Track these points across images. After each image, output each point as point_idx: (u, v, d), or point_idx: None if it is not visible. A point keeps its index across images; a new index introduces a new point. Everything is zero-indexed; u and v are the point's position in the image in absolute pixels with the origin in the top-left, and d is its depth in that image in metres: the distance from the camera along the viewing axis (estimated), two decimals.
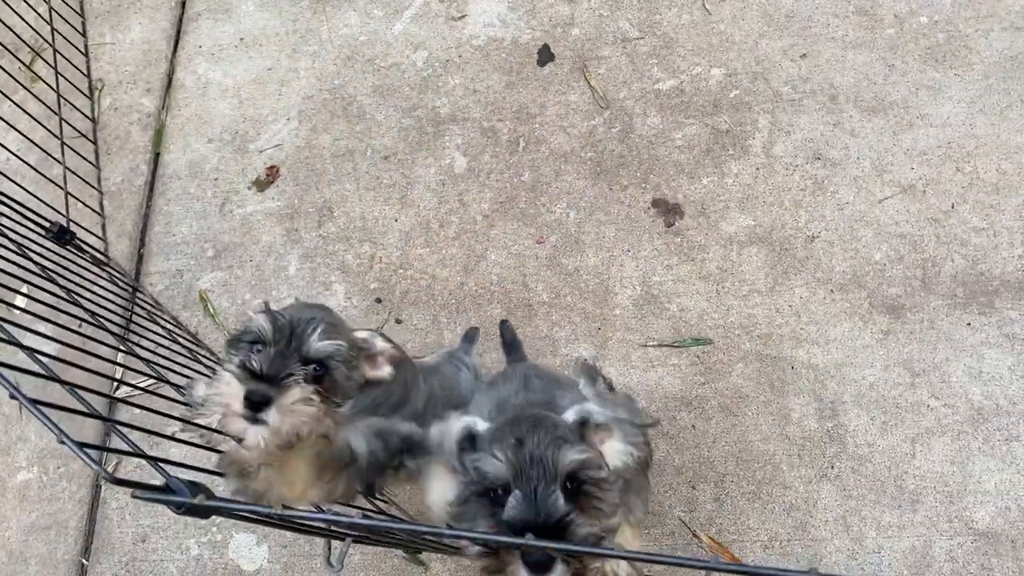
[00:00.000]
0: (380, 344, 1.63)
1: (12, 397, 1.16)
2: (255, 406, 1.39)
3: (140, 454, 1.32)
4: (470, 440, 1.44)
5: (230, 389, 1.41)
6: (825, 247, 2.56)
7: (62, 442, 1.12)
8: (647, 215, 2.69)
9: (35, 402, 1.17)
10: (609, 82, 2.91)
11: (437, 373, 2.05)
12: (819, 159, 2.68)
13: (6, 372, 1.22)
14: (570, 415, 1.46)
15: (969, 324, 2.42)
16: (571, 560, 1.24)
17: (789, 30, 2.90)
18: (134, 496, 1.17)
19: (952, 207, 2.56)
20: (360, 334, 1.64)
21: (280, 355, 1.46)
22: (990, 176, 2.58)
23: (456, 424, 1.46)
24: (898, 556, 2.19)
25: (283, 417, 1.40)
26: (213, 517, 2.45)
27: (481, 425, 1.45)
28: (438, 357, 2.31)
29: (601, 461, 1.40)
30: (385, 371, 1.66)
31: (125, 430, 1.53)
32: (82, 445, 1.17)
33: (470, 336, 2.43)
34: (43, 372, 1.28)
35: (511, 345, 2.31)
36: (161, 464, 1.26)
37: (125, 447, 1.34)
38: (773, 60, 2.86)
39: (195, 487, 1.23)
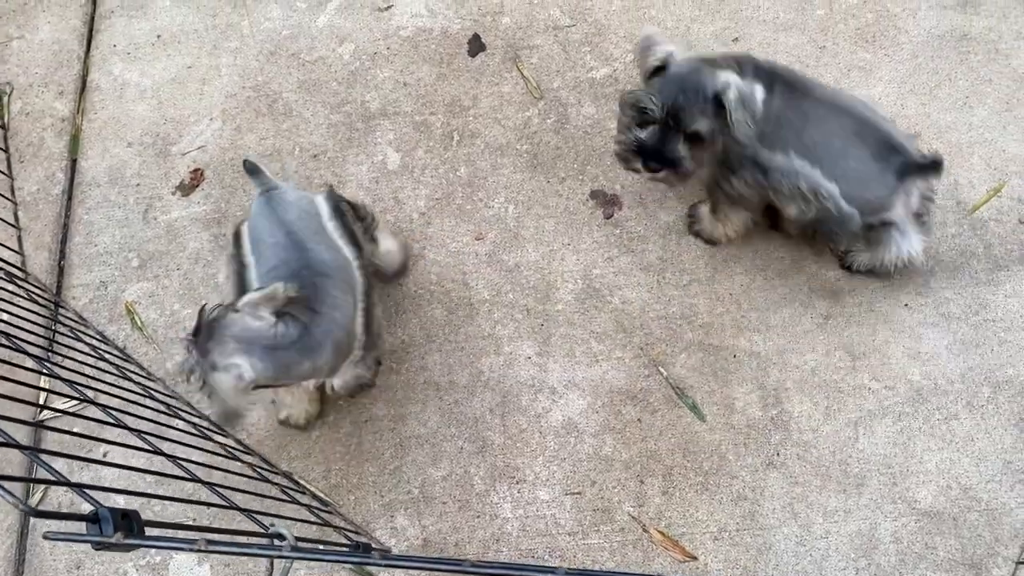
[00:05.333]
0: None
1: None
2: None
3: (65, 482, 1.25)
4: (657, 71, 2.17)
5: None
6: (763, 233, 2.56)
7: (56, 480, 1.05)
8: (586, 207, 2.65)
9: None
10: (542, 72, 2.85)
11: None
12: None
13: None
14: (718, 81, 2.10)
15: (907, 305, 2.44)
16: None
17: (720, 13, 2.87)
18: (46, 537, 1.10)
19: None
20: None
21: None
22: None
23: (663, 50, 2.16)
24: (845, 540, 2.20)
25: None
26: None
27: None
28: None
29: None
30: None
31: (51, 457, 1.43)
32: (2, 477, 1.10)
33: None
34: None
35: None
36: (90, 492, 1.19)
37: (49, 475, 1.26)
38: (706, 44, 2.83)
39: (124, 517, 1.16)
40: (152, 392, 2.33)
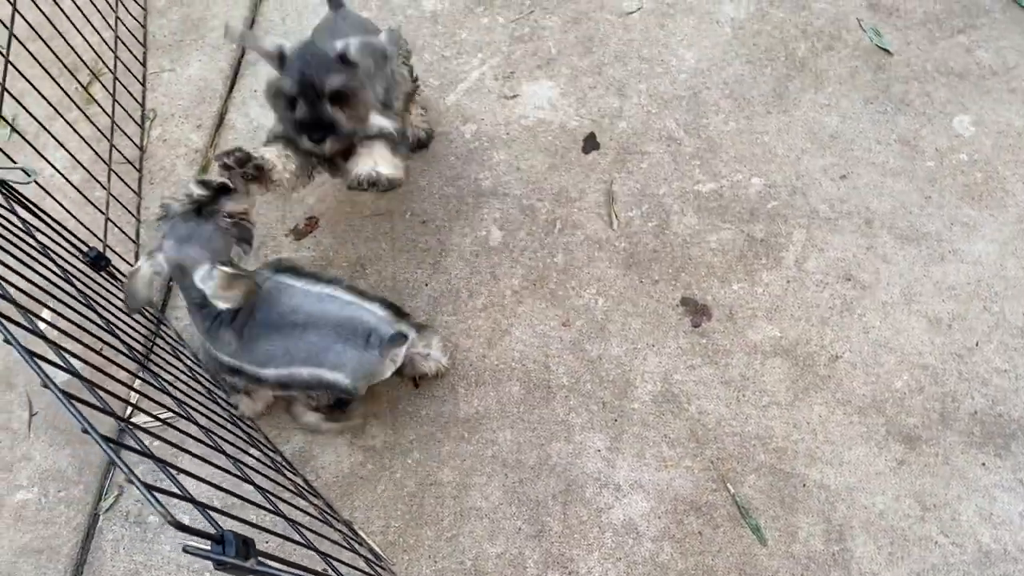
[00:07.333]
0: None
1: (111, 457, 1.16)
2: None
3: (190, 499, 1.33)
4: (281, 58, 2.33)
5: None
6: (848, 368, 2.58)
7: (131, 482, 1.13)
8: (675, 312, 2.72)
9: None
10: (650, 177, 2.96)
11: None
12: (850, 280, 2.72)
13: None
14: (337, 45, 2.30)
15: (984, 464, 2.42)
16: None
17: (832, 150, 2.96)
18: (186, 550, 1.16)
19: (976, 345, 2.59)
20: None
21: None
22: (1016, 319, 2.61)
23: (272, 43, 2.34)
24: None
25: None
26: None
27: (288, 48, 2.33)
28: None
29: (358, 81, 2.32)
30: None
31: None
32: (150, 488, 1.18)
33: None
34: (99, 401, 1.29)
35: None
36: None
37: (175, 489, 1.34)
38: (813, 177, 2.92)
39: (244, 543, 1.22)
40: (237, 420, 2.43)
